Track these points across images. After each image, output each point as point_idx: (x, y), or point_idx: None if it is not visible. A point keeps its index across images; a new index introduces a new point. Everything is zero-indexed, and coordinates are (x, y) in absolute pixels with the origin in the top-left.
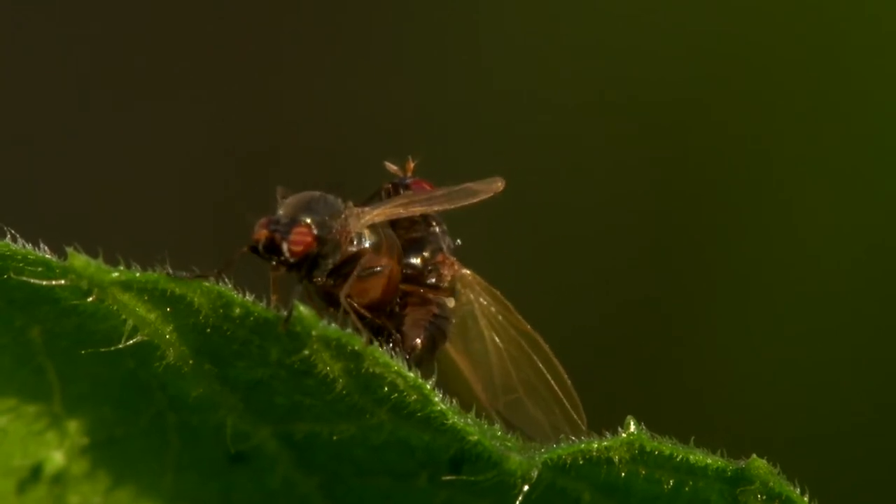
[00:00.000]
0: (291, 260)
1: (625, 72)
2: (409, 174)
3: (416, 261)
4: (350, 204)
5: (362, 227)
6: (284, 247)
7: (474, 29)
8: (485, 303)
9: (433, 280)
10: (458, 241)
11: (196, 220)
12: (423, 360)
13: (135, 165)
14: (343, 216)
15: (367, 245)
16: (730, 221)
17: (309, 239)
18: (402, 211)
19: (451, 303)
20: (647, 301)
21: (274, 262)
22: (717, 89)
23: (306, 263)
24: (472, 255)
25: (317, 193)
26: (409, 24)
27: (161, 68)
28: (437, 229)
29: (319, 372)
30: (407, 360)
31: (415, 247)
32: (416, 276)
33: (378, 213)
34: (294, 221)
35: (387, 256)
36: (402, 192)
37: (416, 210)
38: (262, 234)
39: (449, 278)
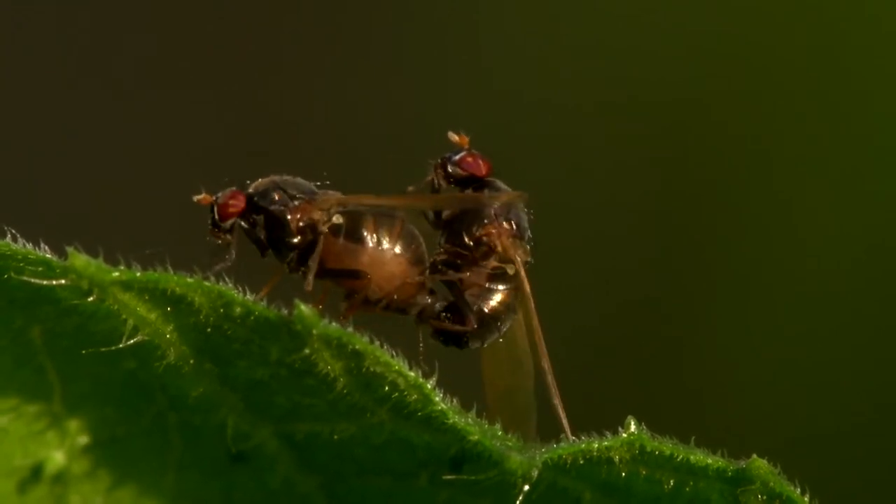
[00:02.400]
0: (221, 224)
1: (625, 72)
2: (466, 147)
3: (461, 237)
4: (327, 192)
5: (316, 209)
6: (215, 209)
7: (474, 29)
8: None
9: (484, 252)
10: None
11: (196, 220)
12: (485, 335)
13: (135, 166)
14: (308, 199)
15: (328, 228)
16: (730, 221)
17: (240, 204)
18: (368, 201)
19: (510, 270)
20: (647, 301)
21: (210, 225)
22: (717, 89)
23: (249, 234)
24: None
25: (288, 177)
26: (409, 24)
27: (161, 69)
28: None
29: (320, 371)
30: (463, 340)
31: (458, 222)
32: (465, 252)
33: (337, 200)
34: (233, 190)
35: (367, 245)
36: (449, 167)
37: (374, 202)
38: (205, 197)
39: (500, 248)
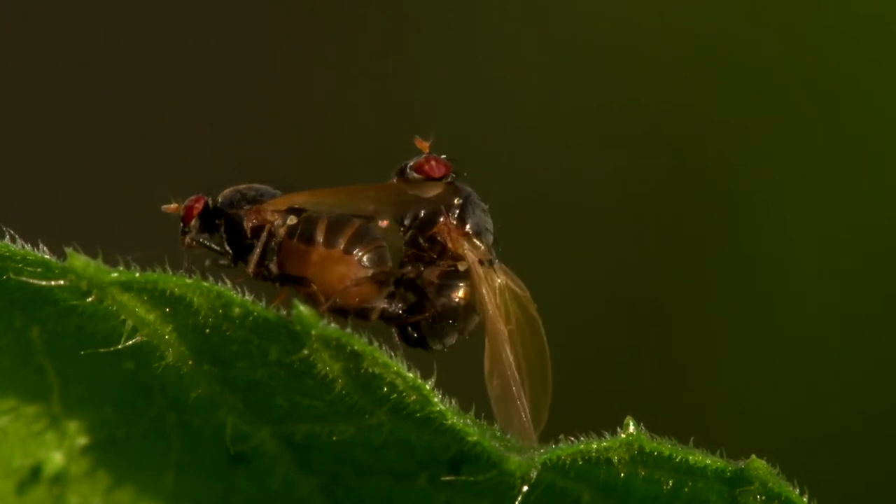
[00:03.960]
0: (185, 228)
1: (624, 73)
2: (426, 152)
3: (416, 236)
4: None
5: (268, 211)
6: (182, 213)
7: (474, 29)
8: (504, 284)
9: (439, 251)
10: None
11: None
12: (442, 333)
13: (135, 166)
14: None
15: (278, 227)
16: (730, 221)
17: (198, 205)
18: (301, 198)
19: (461, 266)
20: (646, 302)
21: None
22: (717, 91)
23: (209, 235)
24: None
25: (256, 184)
26: (408, 25)
27: (162, 68)
28: (435, 201)
29: (319, 372)
30: (424, 341)
31: (414, 223)
32: (421, 252)
33: (282, 201)
34: (196, 195)
35: (317, 245)
36: (407, 171)
37: (306, 199)
38: (173, 206)
39: (450, 245)
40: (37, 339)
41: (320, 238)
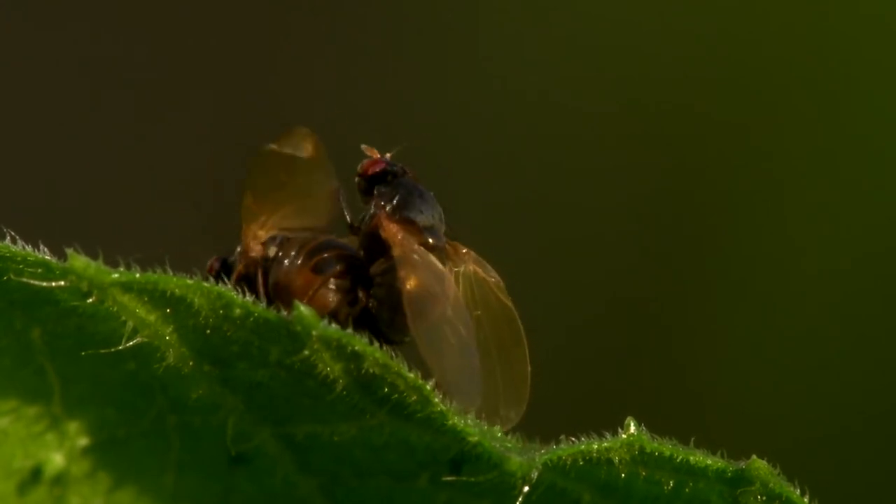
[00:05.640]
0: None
1: (624, 73)
2: (375, 157)
3: (363, 232)
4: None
5: (253, 247)
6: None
7: (474, 29)
8: (471, 271)
9: (381, 244)
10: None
11: (197, 219)
12: (396, 324)
13: (135, 166)
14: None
15: (259, 260)
16: (731, 222)
17: (215, 265)
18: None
19: (395, 253)
20: (647, 301)
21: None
22: (717, 91)
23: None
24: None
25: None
26: (409, 25)
27: (162, 68)
28: (378, 196)
29: (320, 373)
30: (389, 337)
31: (362, 220)
32: (369, 251)
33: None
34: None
35: (281, 266)
36: (357, 178)
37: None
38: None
39: (383, 234)
40: (37, 339)
41: (286, 258)
